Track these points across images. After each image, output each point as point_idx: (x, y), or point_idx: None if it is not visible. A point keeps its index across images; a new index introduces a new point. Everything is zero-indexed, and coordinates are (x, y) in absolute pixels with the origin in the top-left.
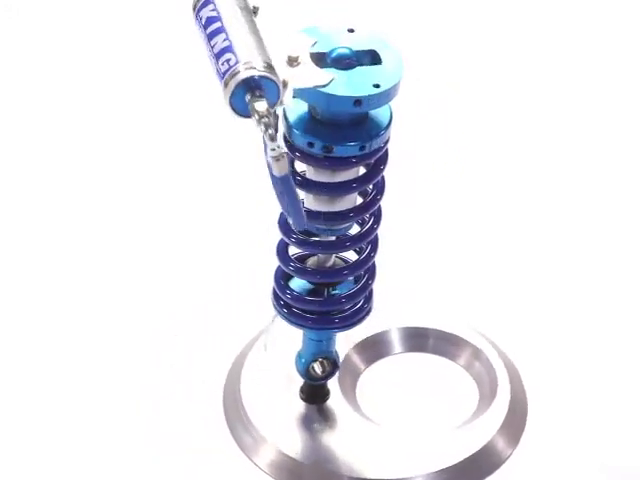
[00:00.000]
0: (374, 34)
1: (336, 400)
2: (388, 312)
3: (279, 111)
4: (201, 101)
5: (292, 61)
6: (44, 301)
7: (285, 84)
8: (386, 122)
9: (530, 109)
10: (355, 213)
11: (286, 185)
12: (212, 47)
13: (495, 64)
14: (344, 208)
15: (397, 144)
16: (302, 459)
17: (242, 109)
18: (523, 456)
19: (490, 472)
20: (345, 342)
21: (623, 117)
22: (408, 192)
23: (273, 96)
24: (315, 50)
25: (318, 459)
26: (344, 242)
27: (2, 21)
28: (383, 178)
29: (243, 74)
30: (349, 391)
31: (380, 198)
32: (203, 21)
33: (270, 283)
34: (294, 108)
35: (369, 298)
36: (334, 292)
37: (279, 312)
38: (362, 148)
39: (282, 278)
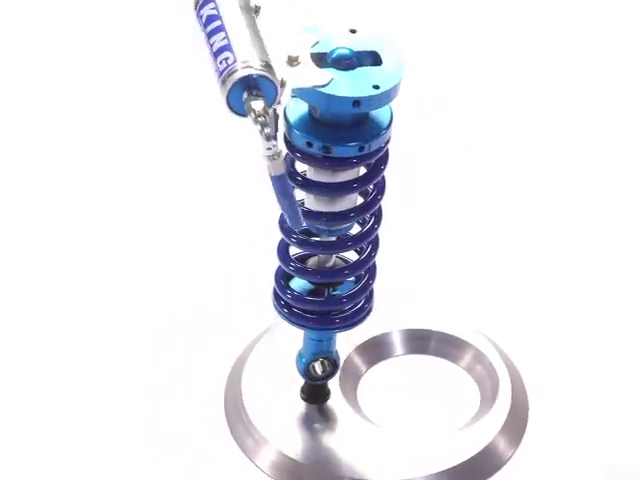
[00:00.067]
0: (376, 35)
1: (337, 401)
2: (390, 314)
3: (279, 110)
4: (202, 101)
5: (292, 61)
6: (44, 301)
7: (283, 84)
8: (386, 123)
9: (532, 108)
10: (356, 213)
11: (282, 184)
12: (211, 45)
13: (497, 63)
14: (345, 208)
15: (399, 143)
16: (303, 460)
17: (239, 108)
18: (524, 457)
19: (491, 474)
20: (346, 344)
21: (624, 115)
22: (410, 191)
23: (270, 95)
24: (316, 50)
25: (319, 460)
26: (345, 242)
27: (2, 21)
28: (384, 178)
29: (240, 73)
30: (350, 393)
31: (381, 198)
32: (203, 19)
33: (271, 283)
34: (295, 108)
35: (370, 298)
36: (335, 292)
37: (280, 312)
38: (361, 149)
39: (283, 278)
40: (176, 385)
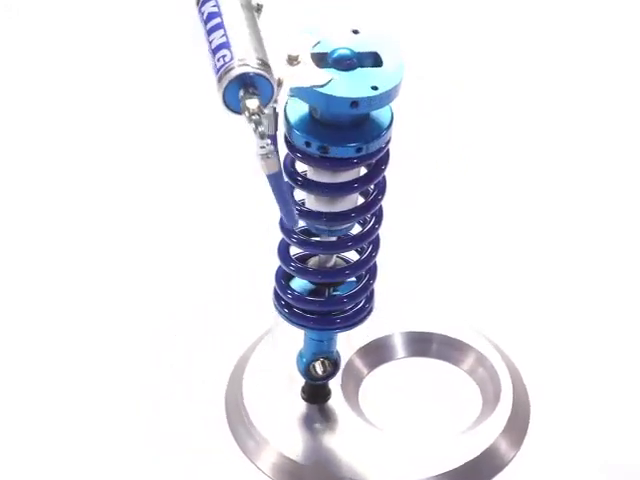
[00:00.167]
0: (378, 36)
1: (338, 402)
2: (391, 316)
3: (279, 109)
4: (202, 99)
5: (292, 60)
6: (44, 301)
7: (280, 83)
8: (386, 125)
9: (534, 107)
10: (356, 213)
11: (276, 183)
12: (210, 42)
13: (499, 62)
14: (345, 208)
15: (400, 143)
16: (304, 462)
17: (235, 105)
18: (526, 459)
19: (492, 475)
20: (348, 346)
21: (625, 114)
22: (411, 191)
23: (267, 94)
24: (317, 50)
25: (320, 462)
26: (345, 242)
27: (2, 21)
28: (384, 178)
29: (237, 70)
30: (352, 395)
31: (381, 198)
32: (204, 16)
33: (271, 283)
34: (295, 108)
35: (370, 298)
36: (335, 292)
37: (280, 312)
38: (359, 150)
39: (283, 278)
40: (177, 386)
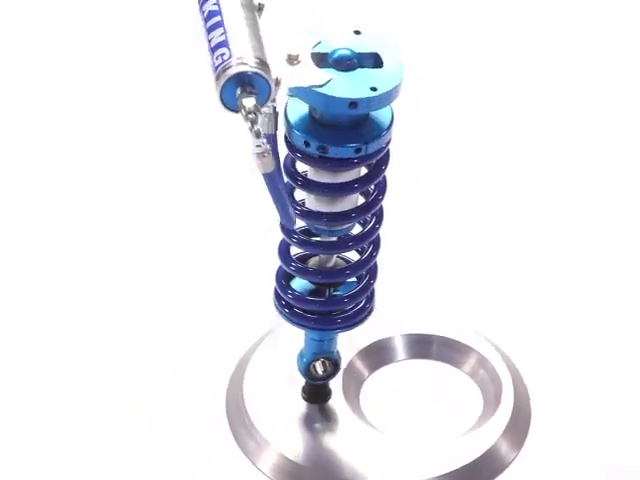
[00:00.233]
0: (379, 37)
1: (339, 404)
2: (392, 318)
3: (279, 109)
4: (203, 99)
5: (292, 59)
6: (44, 301)
7: (278, 82)
8: (386, 125)
9: (533, 107)
10: (357, 213)
11: (272, 182)
12: (210, 41)
13: (497, 62)
14: (345, 208)
15: (400, 143)
16: (304, 463)
17: (232, 104)
18: (526, 460)
19: (493, 477)
20: (349, 348)
21: (624, 113)
22: (411, 191)
23: (264, 93)
24: (317, 50)
25: (321, 463)
26: (346, 242)
27: (2, 21)
28: (385, 178)
29: (234, 69)
30: (353, 397)
31: (382, 198)
32: (205, 14)
33: (272, 283)
34: (296, 108)
35: (371, 298)
36: (336, 292)
37: (281, 312)
38: (358, 150)
39: (284, 278)
40: (177, 386)
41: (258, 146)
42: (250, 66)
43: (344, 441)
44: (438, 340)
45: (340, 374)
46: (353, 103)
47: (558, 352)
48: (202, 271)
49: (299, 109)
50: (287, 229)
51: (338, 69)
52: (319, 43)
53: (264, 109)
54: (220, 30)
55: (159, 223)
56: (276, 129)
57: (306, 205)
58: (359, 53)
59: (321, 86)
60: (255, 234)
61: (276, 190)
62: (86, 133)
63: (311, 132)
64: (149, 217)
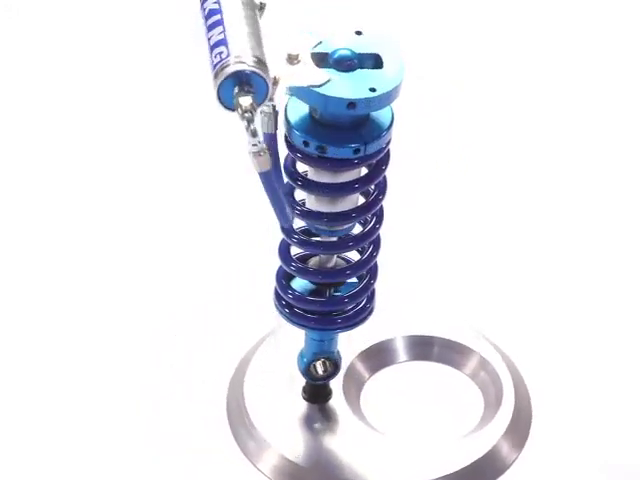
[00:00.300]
0: (381, 37)
1: (340, 406)
2: (393, 320)
3: (280, 108)
4: (203, 99)
5: (292, 59)
6: (44, 301)
7: (276, 81)
8: (385, 126)
9: (534, 107)
10: (357, 213)
11: (268, 181)
12: (209, 39)
13: (499, 62)
14: (346, 209)
15: (400, 143)
16: (305, 464)
17: (229, 102)
18: (527, 461)
19: (494, 478)
20: (349, 350)
21: (625, 114)
22: (411, 191)
23: (262, 92)
24: (318, 50)
25: (321, 465)
26: (346, 242)
27: (2, 21)
28: (385, 178)
29: (232, 68)
30: (353, 399)
31: (382, 198)
32: (206, 13)
33: (272, 284)
34: (296, 107)
35: (371, 298)
36: (336, 293)
37: (281, 312)
38: (357, 151)
39: (284, 278)
40: (177, 387)
41: (254, 145)
42: (248, 65)
43: (345, 442)
44: (439, 342)
45: (341, 375)
46: (351, 104)
47: (559, 353)
48: (202, 271)
49: (299, 109)
50: (287, 229)
51: (338, 69)
52: (320, 43)
53: (264, 108)
54: (219, 28)
55: (159, 223)
56: (276, 128)
57: (306, 205)
58: (360, 54)
59: (320, 86)
60: (255, 234)
61: (272, 189)
62: (86, 133)
63: (310, 132)
64: (149, 217)
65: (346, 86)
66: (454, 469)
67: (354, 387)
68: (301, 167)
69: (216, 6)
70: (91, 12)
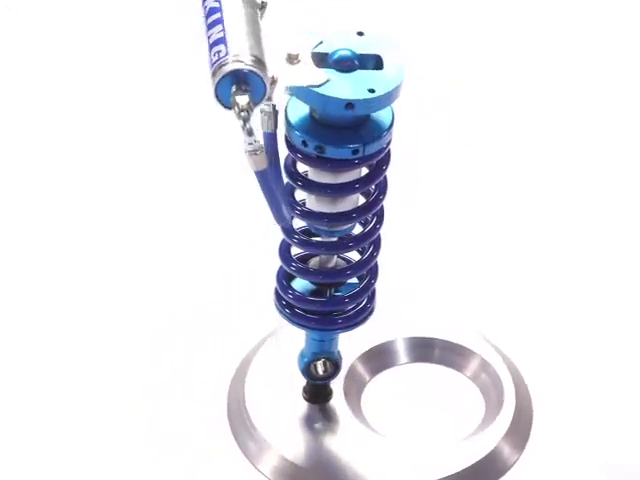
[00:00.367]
0: (382, 38)
1: (340, 406)
2: (394, 322)
3: (280, 108)
4: (203, 100)
5: (292, 59)
6: (44, 301)
7: (274, 81)
8: (385, 127)
9: (534, 107)
10: (357, 214)
11: (264, 180)
12: (209, 37)
13: (499, 62)
14: (346, 209)
15: (400, 142)
16: (305, 465)
17: (227, 100)
18: (528, 463)
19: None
20: (350, 352)
21: (625, 114)
22: (412, 191)
23: (259, 91)
24: (319, 50)
25: (322, 466)
26: (347, 243)
27: (2, 21)
28: (385, 178)
29: (230, 66)
30: (354, 401)
31: (383, 198)
32: (206, 11)
33: (272, 283)
34: (297, 107)
35: (372, 298)
36: (337, 293)
37: (281, 312)
38: (355, 152)
39: (284, 278)
40: (178, 388)
41: (250, 144)
42: (245, 64)
43: (345, 444)
44: (440, 344)
45: (342, 377)
46: (349, 104)
47: (560, 355)
48: (203, 271)
49: (300, 108)
50: (288, 229)
51: (338, 70)
52: (321, 43)
53: (264, 107)
54: (219, 27)
55: (160, 223)
56: (276, 127)
57: (307, 205)
58: (360, 54)
59: (318, 86)
60: (255, 234)
61: (268, 189)
62: (85, 133)
63: (309, 132)
64: (149, 217)
65: (345, 86)
66: (455, 470)
67: (355, 389)
68: (301, 167)
69: (216, 4)
70: (91, 11)
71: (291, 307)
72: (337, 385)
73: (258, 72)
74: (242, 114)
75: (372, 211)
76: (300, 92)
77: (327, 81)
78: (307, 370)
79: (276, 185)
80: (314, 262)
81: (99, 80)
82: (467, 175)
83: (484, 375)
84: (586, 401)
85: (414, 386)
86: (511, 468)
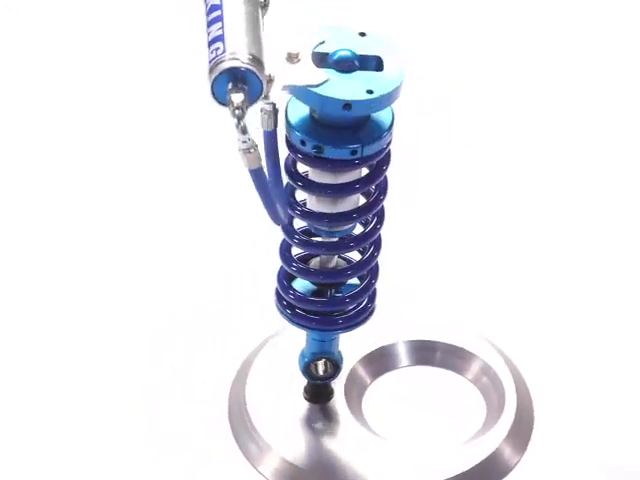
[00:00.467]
0: (384, 39)
1: (341, 408)
2: (395, 325)
3: (280, 107)
4: (203, 100)
5: (292, 58)
6: (44, 301)
7: (271, 80)
8: (385, 128)
9: (534, 107)
10: (358, 214)
11: (258, 179)
12: (208, 34)
13: (499, 62)
14: (347, 209)
15: (400, 143)
16: (306, 467)
17: (222, 98)
18: (529, 465)
19: None
20: (351, 355)
21: (626, 114)
22: (412, 191)
23: (256, 90)
24: (319, 50)
25: (322, 468)
26: (347, 243)
27: (2, 21)
28: (386, 178)
29: (226, 64)
30: (355, 403)
31: (383, 199)
32: (207, 8)
33: (273, 284)
34: (297, 107)
35: (372, 298)
36: (337, 293)
37: (282, 313)
38: (354, 152)
39: (285, 279)
40: (178, 388)
41: (244, 142)
42: (242, 62)
43: (346, 447)
44: (441, 347)
45: (343, 380)
46: (347, 105)
47: (561, 358)
48: (204, 271)
49: (300, 108)
50: (288, 229)
51: (338, 70)
52: (322, 43)
53: (265, 106)
54: (218, 24)
55: (160, 223)
56: (276, 126)
57: (307, 206)
58: (361, 55)
59: (317, 86)
60: (256, 235)
61: (263, 187)
62: (85, 133)
63: (309, 132)
64: (150, 217)
65: (343, 87)
66: (456, 473)
67: (356, 391)
68: (302, 168)
69: (217, 2)
70: (91, 10)
71: (292, 307)
72: (338, 387)
73: (254, 70)
74: (236, 112)
75: (372, 211)
76: (299, 92)
77: (326, 81)
78: (307, 370)
79: (275, 184)
80: (315, 262)
81: (98, 79)
82: (467, 175)
83: (485, 378)
84: (587, 403)
85: (415, 389)
86: (512, 470)
